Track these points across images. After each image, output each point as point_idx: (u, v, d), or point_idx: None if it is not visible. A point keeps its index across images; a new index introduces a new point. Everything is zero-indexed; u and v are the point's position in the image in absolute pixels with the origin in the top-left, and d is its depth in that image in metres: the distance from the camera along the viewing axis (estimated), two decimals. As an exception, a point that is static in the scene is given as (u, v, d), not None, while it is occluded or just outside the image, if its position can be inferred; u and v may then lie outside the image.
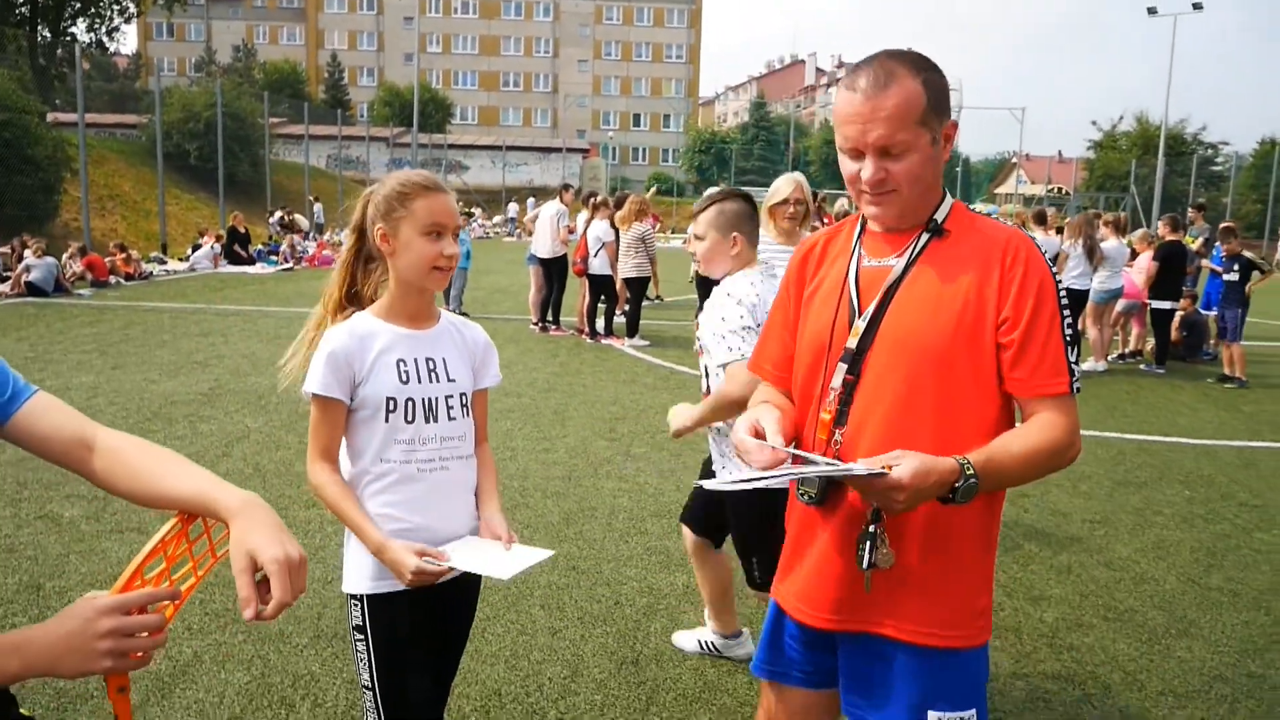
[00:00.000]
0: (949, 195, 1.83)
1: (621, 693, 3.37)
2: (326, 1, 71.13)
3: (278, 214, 26.10)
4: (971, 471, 1.61)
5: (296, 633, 3.71)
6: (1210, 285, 12.22)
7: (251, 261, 20.82)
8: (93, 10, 35.94)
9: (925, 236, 1.79)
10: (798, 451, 1.71)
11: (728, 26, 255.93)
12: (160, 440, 4.78)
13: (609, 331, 11.83)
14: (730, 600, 3.61)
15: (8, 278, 14.62)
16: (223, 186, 25.28)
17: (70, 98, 25.38)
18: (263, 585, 1.25)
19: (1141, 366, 11.37)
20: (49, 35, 33.66)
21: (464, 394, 2.13)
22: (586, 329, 11.75)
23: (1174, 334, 11.60)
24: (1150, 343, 11.56)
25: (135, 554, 1.29)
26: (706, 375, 3.18)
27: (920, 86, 1.69)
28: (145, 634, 1.18)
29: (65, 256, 15.74)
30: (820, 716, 1.99)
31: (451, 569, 1.99)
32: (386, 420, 2.03)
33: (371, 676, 2.08)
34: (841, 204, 13.16)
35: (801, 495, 1.78)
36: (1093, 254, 10.53)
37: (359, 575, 2.08)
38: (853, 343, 1.78)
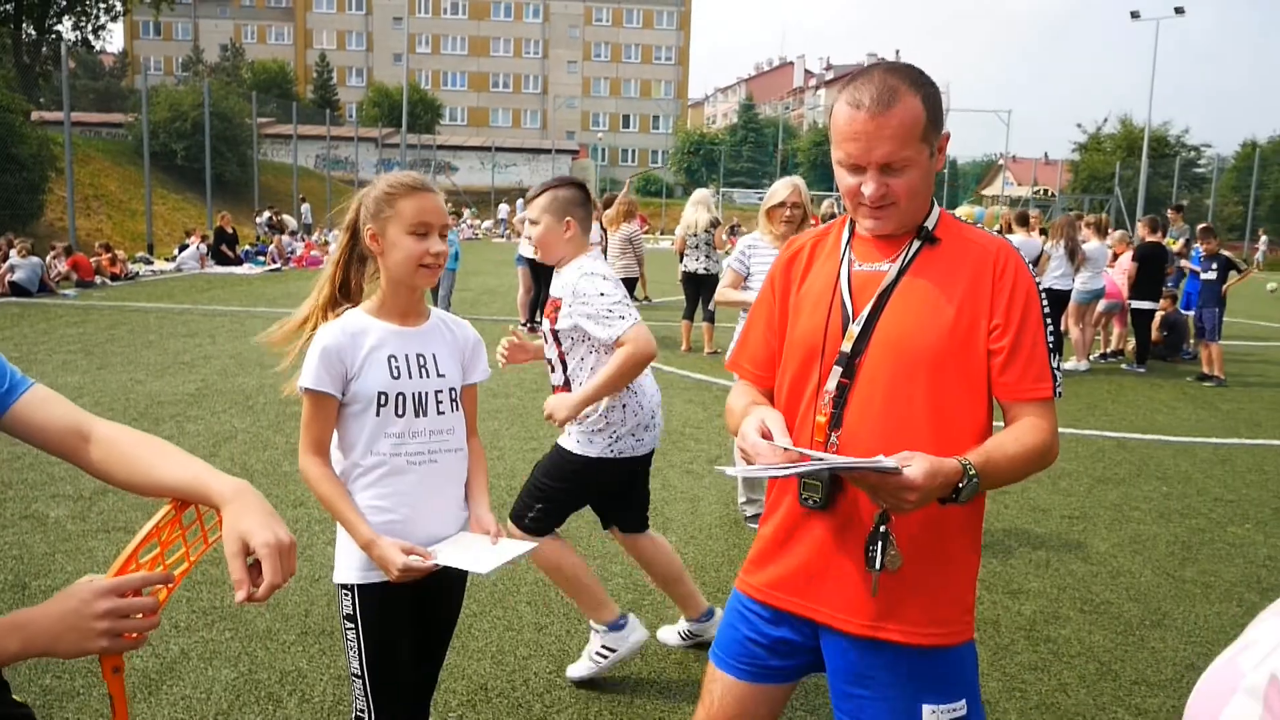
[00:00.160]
0: (936, 203, 1.89)
1: (606, 687, 3.41)
2: (315, 2, 70.95)
3: (266, 214, 26.07)
4: (974, 472, 1.66)
5: (284, 630, 3.74)
6: (1190, 285, 12.36)
7: (239, 262, 20.79)
8: (79, 8, 35.78)
9: (917, 244, 1.83)
10: (807, 451, 1.72)
11: (717, 28, 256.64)
12: (148, 439, 4.80)
13: (596, 332, 11.88)
14: (687, 584, 3.62)
15: (-7, 278, 14.58)
16: (210, 187, 25.23)
17: (55, 96, 25.31)
18: (254, 568, 1.31)
19: (1123, 366, 11.50)
20: (34, 33, 33.50)
21: (454, 389, 2.19)
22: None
23: (1154, 334, 11.73)
24: (1131, 342, 11.69)
25: (121, 553, 1.35)
26: (561, 367, 3.23)
27: (921, 104, 1.73)
28: (140, 615, 1.23)
29: (50, 256, 15.70)
30: (769, 710, 2.00)
31: (436, 565, 2.05)
32: (377, 414, 2.09)
33: (362, 665, 2.14)
34: (828, 205, 13.25)
35: (806, 500, 1.81)
36: (1074, 255, 10.65)
37: (350, 566, 2.14)
38: (847, 346, 1.81)
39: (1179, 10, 37.07)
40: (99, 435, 1.42)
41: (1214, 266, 10.66)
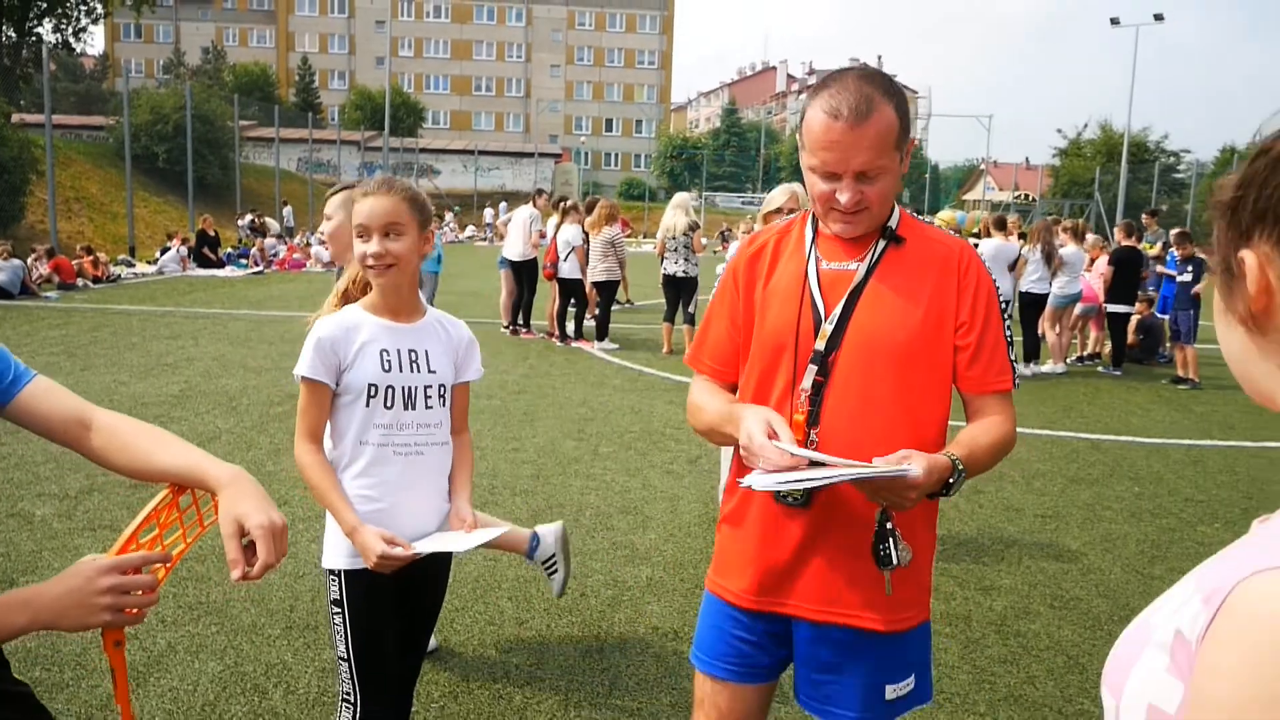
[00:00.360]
0: (896, 203, 1.96)
1: (585, 679, 3.49)
2: (297, 4, 70.72)
3: (248, 217, 26.00)
4: (961, 466, 1.75)
5: (269, 624, 3.80)
6: (1166, 289, 12.54)
7: (220, 265, 20.73)
8: (59, 10, 35.54)
9: (882, 243, 1.90)
10: (815, 455, 1.73)
11: (700, 33, 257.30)
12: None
13: (579, 335, 11.96)
14: (508, 538, 3.50)
15: (-27, 280, 14.49)
16: (191, 189, 25.15)
17: (36, 98, 25.17)
18: (249, 549, 1.38)
19: (1099, 369, 11.66)
20: (14, 35, 33.25)
21: (443, 385, 2.28)
22: (556, 332, 11.86)
23: (1131, 337, 11.89)
24: (1108, 346, 11.86)
25: (122, 534, 1.42)
26: None
27: (894, 112, 1.77)
28: (140, 593, 1.31)
29: (31, 259, 15.63)
30: (764, 708, 2.06)
31: (416, 554, 2.13)
32: (367, 405, 2.19)
33: (348, 648, 2.22)
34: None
35: (786, 498, 1.84)
36: (1051, 259, 10.80)
37: (337, 552, 2.22)
38: (821, 345, 1.85)
39: (1158, 17, 37.52)
40: (100, 423, 1.50)
41: (1189, 270, 10.82)
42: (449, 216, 37.93)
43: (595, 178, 64.88)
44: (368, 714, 2.24)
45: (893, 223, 1.91)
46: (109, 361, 9.30)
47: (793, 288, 1.91)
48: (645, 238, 36.47)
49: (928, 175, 65.69)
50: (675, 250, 10.91)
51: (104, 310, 13.37)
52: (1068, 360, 11.65)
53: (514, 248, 12.03)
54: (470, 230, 39.74)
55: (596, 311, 11.88)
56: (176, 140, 27.03)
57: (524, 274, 12.11)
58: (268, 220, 26.55)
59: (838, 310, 1.86)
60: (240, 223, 25.98)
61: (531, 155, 52.97)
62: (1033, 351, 11.03)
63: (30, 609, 1.27)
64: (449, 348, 2.32)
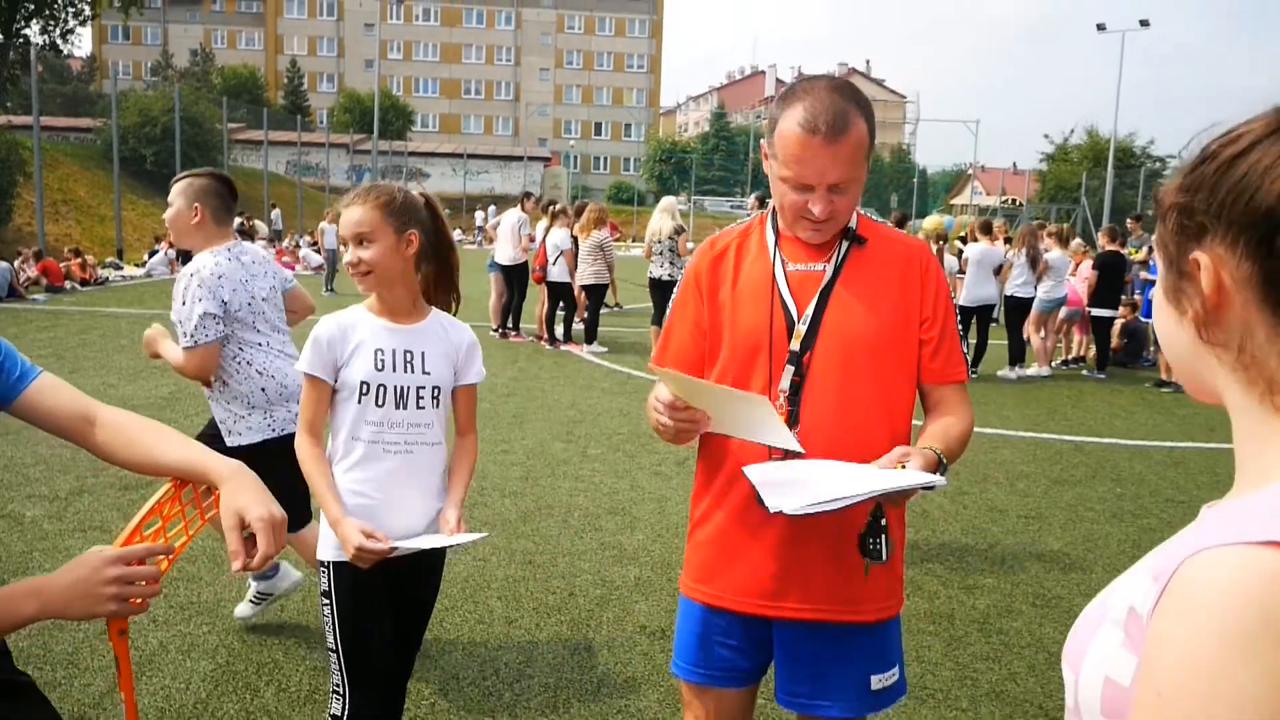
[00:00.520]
0: None
1: (573, 676, 3.54)
2: (286, 7, 70.63)
3: (237, 220, 25.93)
4: (945, 461, 1.81)
5: (260, 623, 3.83)
6: (1149, 293, 12.66)
7: (209, 267, 20.67)
8: (47, 12, 35.40)
9: (846, 244, 1.95)
10: (843, 464, 1.76)
11: (689, 37, 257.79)
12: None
13: (567, 338, 12.01)
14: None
15: (-40, 283, 14.46)
16: (180, 192, 25.06)
17: (23, 100, 25.08)
18: (249, 541, 1.43)
19: (1084, 372, 11.77)
20: (1, 37, 33.11)
21: (437, 387, 2.33)
22: (546, 335, 11.91)
23: (1114, 341, 12.01)
24: (1092, 349, 11.97)
25: (126, 526, 1.47)
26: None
27: (865, 125, 1.81)
28: (144, 583, 1.36)
29: (19, 261, 15.59)
30: (750, 709, 2.09)
31: (394, 550, 2.17)
32: (359, 402, 2.25)
33: (336, 639, 2.27)
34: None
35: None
36: (1035, 263, 10.90)
37: (328, 544, 2.28)
38: (796, 345, 1.88)
39: (1144, 23, 37.82)
40: (104, 420, 1.55)
41: (1171, 274, 10.92)
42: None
43: (584, 181, 64.95)
44: (357, 705, 2.29)
45: (852, 224, 1.96)
46: (98, 364, 9.30)
47: (761, 290, 1.94)
48: (634, 241, 36.53)
49: (916, 180, 66.01)
50: (660, 254, 10.99)
51: (92, 313, 13.35)
52: (1052, 364, 11.75)
53: (504, 252, 12.07)
54: (458, 234, 39.72)
55: (585, 315, 11.94)
56: (165, 142, 27.01)
57: (514, 277, 12.15)
58: (256, 223, 26.50)
59: (810, 311, 1.90)
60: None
61: (520, 159, 53.02)
62: (1018, 355, 11.12)
63: (39, 598, 1.31)
64: (448, 350, 2.37)
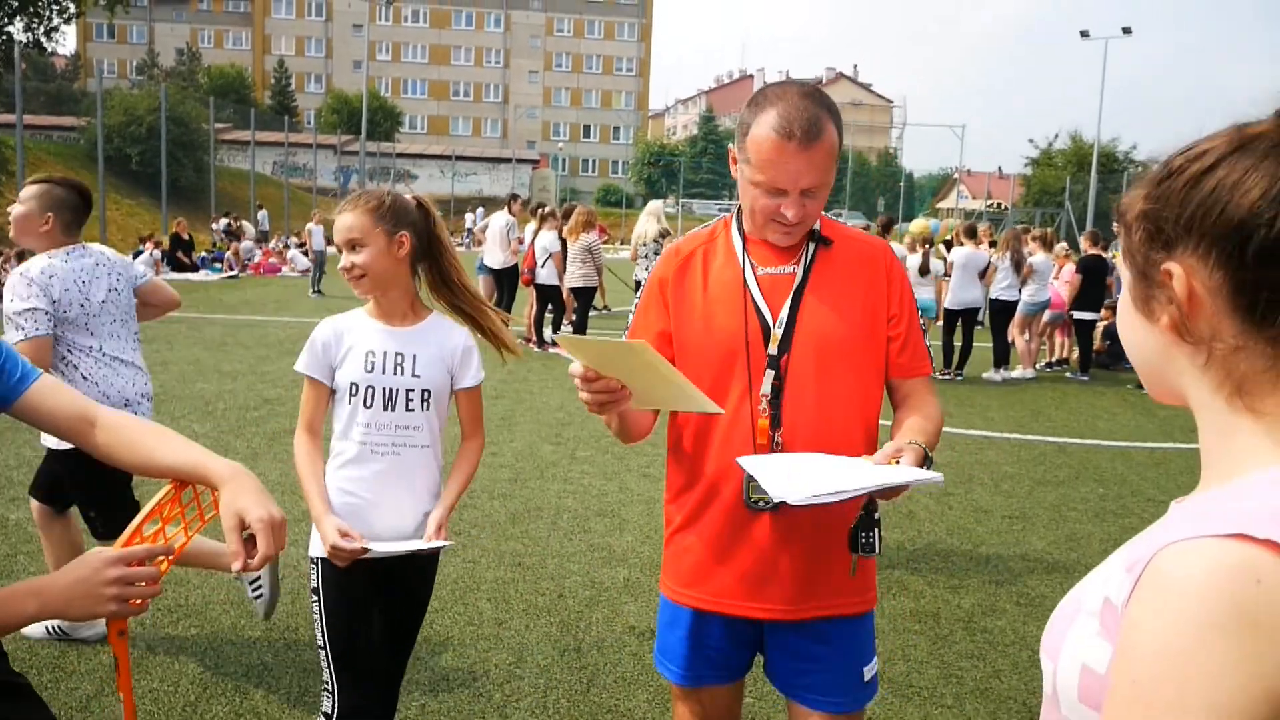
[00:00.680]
0: None
1: (563, 677, 3.56)
2: (274, 7, 70.37)
3: (224, 221, 25.86)
4: (929, 454, 1.84)
5: (249, 627, 3.84)
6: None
7: (195, 268, 20.62)
8: (31, 9, 35.17)
9: (813, 246, 1.98)
10: (843, 459, 1.78)
11: (677, 40, 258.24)
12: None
13: (556, 340, 12.02)
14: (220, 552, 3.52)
15: (-58, 283, 14.36)
16: (165, 192, 24.98)
17: (6, 98, 24.91)
18: (249, 541, 1.45)
19: (1067, 374, 11.86)
20: (-15, 35, 32.88)
21: (427, 390, 2.34)
22: (534, 338, 11.92)
23: (1097, 343, 12.11)
24: (1075, 352, 12.06)
25: (127, 527, 1.48)
26: None
27: (835, 131, 1.84)
28: (144, 584, 1.37)
29: (1, 261, 15.48)
30: (739, 700, 2.12)
31: (366, 551, 2.18)
32: (349, 403, 2.29)
33: (324, 636, 2.30)
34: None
35: (756, 503, 1.86)
36: (1020, 267, 10.99)
37: (317, 541, 2.30)
38: (773, 349, 1.90)
39: (1126, 30, 38.15)
40: (104, 421, 1.56)
41: (1153, 278, 11.03)
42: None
43: (573, 184, 64.93)
44: (346, 702, 2.30)
45: (817, 225, 1.99)
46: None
47: (733, 295, 1.95)
48: (622, 244, 36.56)
49: (902, 184, 66.28)
50: (646, 256, 11.03)
51: (77, 314, 13.26)
52: (1036, 366, 11.84)
53: (494, 256, 12.09)
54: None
55: (574, 317, 11.96)
56: (150, 142, 26.87)
57: (503, 280, 12.17)
58: (244, 223, 26.43)
59: (784, 314, 1.92)
60: (216, 226, 25.83)
61: (509, 161, 53.00)
62: (1002, 357, 11.20)
63: (40, 597, 1.33)
64: (442, 354, 2.38)
